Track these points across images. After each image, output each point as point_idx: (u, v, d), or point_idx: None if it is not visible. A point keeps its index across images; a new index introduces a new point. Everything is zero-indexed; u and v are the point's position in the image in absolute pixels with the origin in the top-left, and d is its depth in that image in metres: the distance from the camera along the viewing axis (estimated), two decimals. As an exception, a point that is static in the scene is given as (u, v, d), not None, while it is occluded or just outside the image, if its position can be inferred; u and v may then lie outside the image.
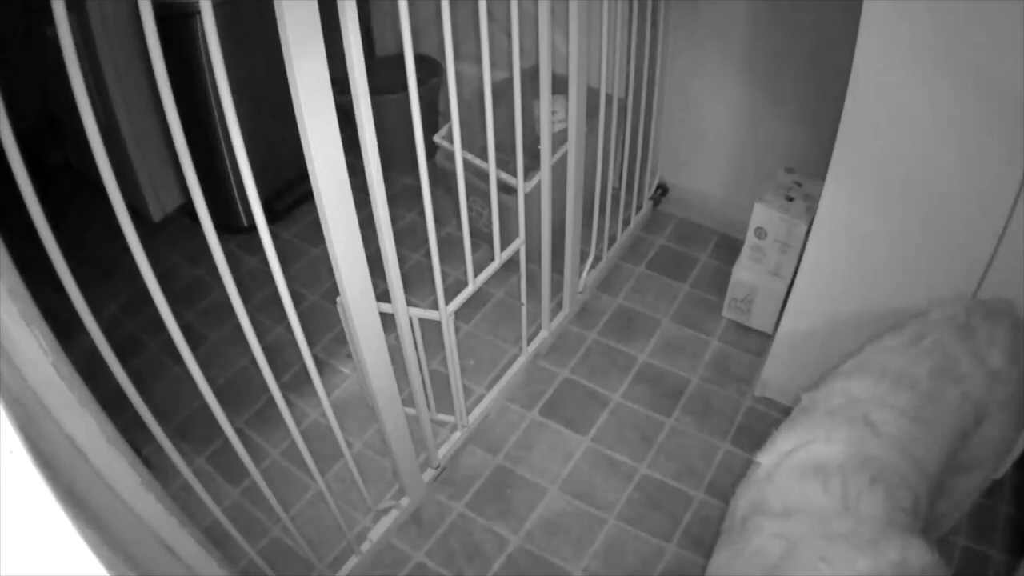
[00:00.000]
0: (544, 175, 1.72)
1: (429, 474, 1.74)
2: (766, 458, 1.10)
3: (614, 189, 2.09)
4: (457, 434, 1.81)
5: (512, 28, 1.37)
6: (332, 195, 1.09)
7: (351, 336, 1.32)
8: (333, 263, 1.18)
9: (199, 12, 0.87)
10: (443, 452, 1.77)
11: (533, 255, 1.88)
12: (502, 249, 1.64)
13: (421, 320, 1.50)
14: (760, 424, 1.84)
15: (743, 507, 1.07)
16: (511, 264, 1.72)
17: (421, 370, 1.56)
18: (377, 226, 1.25)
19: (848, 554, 0.92)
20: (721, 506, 1.68)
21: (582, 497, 1.72)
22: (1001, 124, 1.22)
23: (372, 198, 1.21)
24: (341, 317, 1.34)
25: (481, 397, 1.90)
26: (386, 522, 1.64)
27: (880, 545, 0.92)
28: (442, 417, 1.80)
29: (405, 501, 1.67)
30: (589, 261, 2.09)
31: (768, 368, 1.84)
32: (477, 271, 1.59)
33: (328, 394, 1.34)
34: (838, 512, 0.98)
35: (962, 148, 1.29)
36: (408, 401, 1.60)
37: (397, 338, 1.47)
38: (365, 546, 1.60)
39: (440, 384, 1.78)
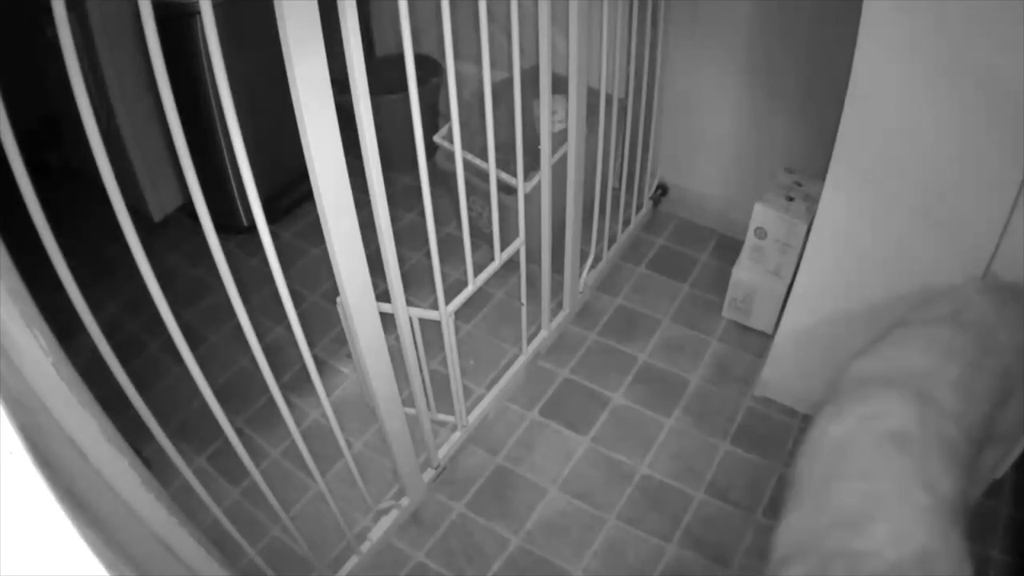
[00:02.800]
0: (544, 175, 1.72)
1: (429, 474, 1.74)
2: (836, 426, 1.08)
3: (614, 189, 2.09)
4: (457, 434, 1.81)
5: (512, 28, 1.37)
6: (332, 195, 1.09)
7: (351, 336, 1.32)
8: (333, 263, 1.18)
9: (199, 12, 0.87)
10: (443, 452, 1.77)
11: (533, 255, 1.88)
12: (502, 249, 1.64)
13: (421, 320, 1.50)
14: (760, 424, 1.84)
15: (818, 473, 1.06)
16: (511, 264, 1.72)
17: (421, 370, 1.56)
18: (377, 226, 1.25)
19: (930, 525, 0.92)
20: (721, 506, 1.68)
21: (582, 497, 1.72)
22: (1001, 123, 1.22)
23: (372, 198, 1.21)
24: (341, 317, 1.34)
25: (481, 397, 1.90)
26: (386, 522, 1.64)
27: (950, 534, 0.93)
28: (442, 417, 1.80)
29: (405, 501, 1.67)
30: (589, 261, 2.09)
31: (768, 368, 1.84)
32: (477, 271, 1.59)
33: (328, 394, 1.34)
34: (920, 485, 0.97)
35: (962, 148, 1.29)
36: (408, 401, 1.60)
37: (397, 338, 1.47)
38: (365, 546, 1.60)
39: (440, 384, 1.78)
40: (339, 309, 1.32)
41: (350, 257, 1.19)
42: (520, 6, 1.36)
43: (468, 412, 1.83)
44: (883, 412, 1.06)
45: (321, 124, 1.01)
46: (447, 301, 1.53)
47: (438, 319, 1.53)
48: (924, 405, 1.06)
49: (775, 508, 1.67)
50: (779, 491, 1.70)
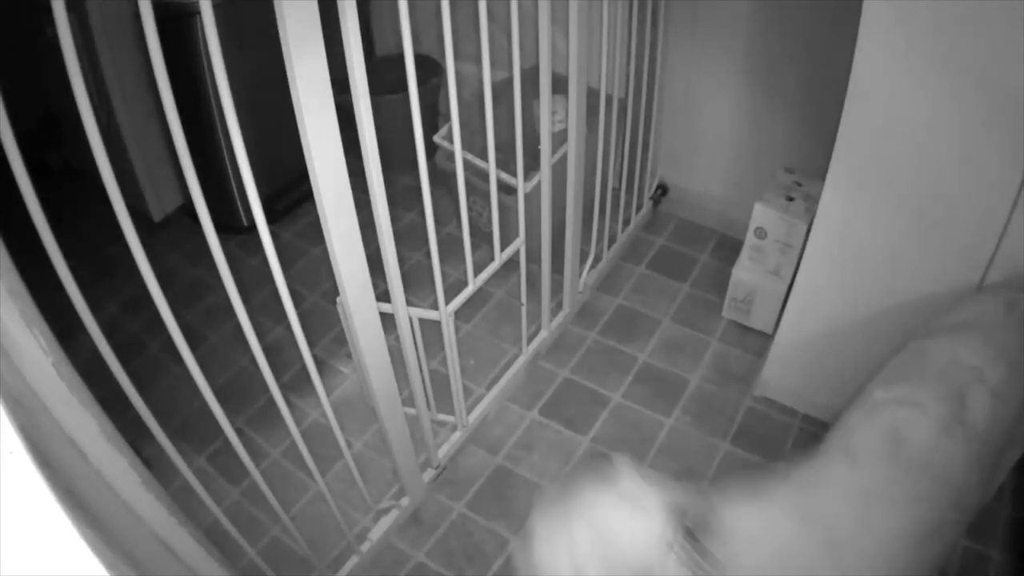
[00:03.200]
0: (544, 175, 1.72)
1: (429, 474, 1.74)
2: (881, 392, 1.09)
3: (614, 189, 2.09)
4: (457, 434, 1.81)
5: (512, 28, 1.37)
6: (332, 195, 1.09)
7: (351, 336, 1.32)
8: (333, 263, 1.18)
9: (199, 12, 0.87)
10: (443, 452, 1.77)
11: (533, 255, 1.88)
12: (502, 249, 1.64)
13: (421, 320, 1.50)
14: (760, 424, 1.84)
15: (839, 436, 1.08)
16: (511, 264, 1.72)
17: (421, 370, 1.56)
18: (377, 226, 1.25)
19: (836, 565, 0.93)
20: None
21: (582, 497, 1.71)
22: (1001, 123, 1.22)
23: (372, 198, 1.21)
24: (341, 317, 1.34)
25: (481, 397, 1.90)
26: (386, 522, 1.64)
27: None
28: (442, 417, 1.79)
29: (405, 501, 1.67)
30: (589, 261, 2.09)
31: (768, 368, 1.84)
32: (477, 271, 1.59)
33: (328, 394, 1.34)
34: (867, 528, 0.97)
35: (962, 148, 1.29)
36: (408, 401, 1.60)
37: (397, 338, 1.47)
38: (365, 546, 1.60)
39: (440, 384, 1.78)
40: (339, 309, 1.32)
41: (350, 257, 1.19)
42: (520, 6, 1.36)
43: (468, 412, 1.83)
44: (915, 400, 1.06)
45: (321, 124, 1.01)
46: (447, 301, 1.53)
47: (438, 319, 1.53)
48: (953, 410, 1.05)
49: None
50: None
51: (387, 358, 1.39)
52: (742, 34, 1.98)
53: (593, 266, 2.12)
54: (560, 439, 1.83)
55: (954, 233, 1.38)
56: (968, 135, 1.27)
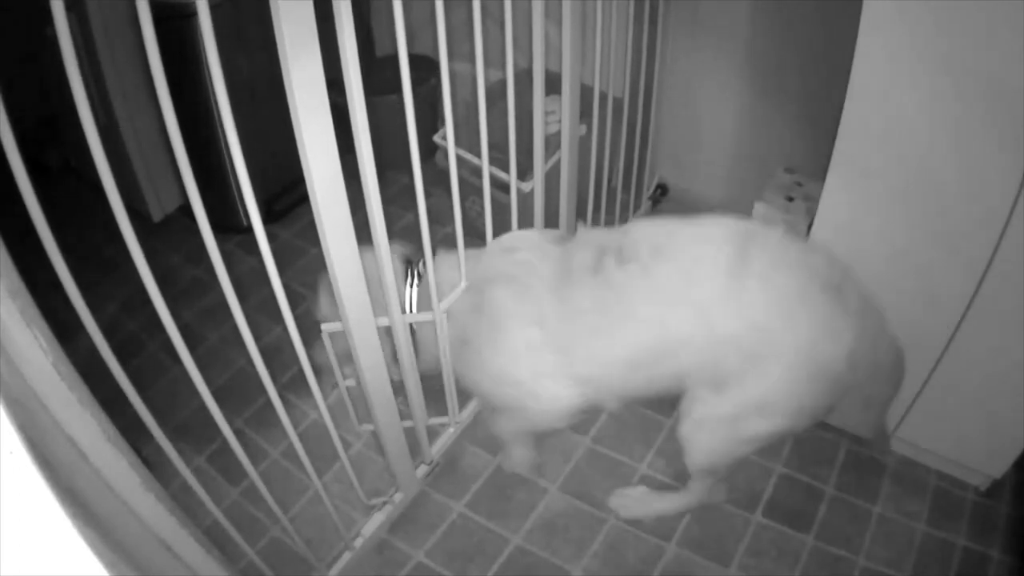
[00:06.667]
0: (537, 177, 1.72)
1: (423, 469, 1.74)
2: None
3: (613, 188, 2.09)
4: (451, 430, 1.81)
5: (506, 26, 1.36)
6: (327, 196, 1.08)
7: (351, 337, 1.32)
8: (328, 264, 1.17)
9: (196, 12, 0.87)
10: (436, 448, 1.77)
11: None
12: (500, 248, 1.63)
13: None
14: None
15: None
16: (511, 264, 1.72)
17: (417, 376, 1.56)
18: (372, 228, 1.24)
19: None
20: (721, 506, 1.68)
21: (582, 497, 1.71)
22: (1001, 124, 1.22)
23: (367, 200, 1.20)
24: (327, 345, 1.38)
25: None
26: (379, 517, 1.64)
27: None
28: (435, 421, 1.78)
29: (398, 497, 1.67)
30: (589, 261, 2.08)
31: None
32: (477, 271, 1.58)
33: (326, 396, 1.34)
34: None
35: (962, 148, 1.29)
36: (402, 403, 1.60)
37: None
38: (358, 542, 1.60)
39: (435, 382, 1.77)
40: (324, 338, 1.34)
41: (344, 256, 1.18)
42: (516, 5, 1.36)
43: (463, 409, 1.83)
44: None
45: (317, 125, 1.01)
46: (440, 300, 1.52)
47: (432, 319, 1.53)
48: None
49: (774, 508, 1.67)
50: (779, 491, 1.70)
51: (385, 375, 1.40)
52: (743, 33, 1.98)
53: (593, 266, 2.11)
54: (560, 438, 1.83)
55: (954, 232, 1.38)
56: (968, 135, 1.27)
